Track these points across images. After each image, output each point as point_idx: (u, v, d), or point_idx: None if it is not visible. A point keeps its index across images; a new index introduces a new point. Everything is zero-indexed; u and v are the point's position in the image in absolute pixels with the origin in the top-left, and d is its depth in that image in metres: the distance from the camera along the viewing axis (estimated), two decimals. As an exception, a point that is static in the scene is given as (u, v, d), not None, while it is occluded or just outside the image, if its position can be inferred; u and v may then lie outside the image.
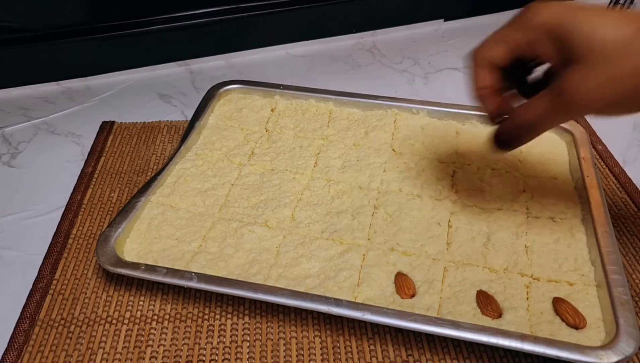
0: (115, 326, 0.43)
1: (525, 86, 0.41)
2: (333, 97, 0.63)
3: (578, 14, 0.34)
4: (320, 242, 0.47)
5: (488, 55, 0.38)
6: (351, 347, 0.42)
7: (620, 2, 0.73)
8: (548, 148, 0.57)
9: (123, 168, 0.59)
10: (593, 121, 0.65)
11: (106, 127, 0.65)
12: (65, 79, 0.74)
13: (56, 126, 0.67)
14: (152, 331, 0.43)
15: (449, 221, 0.49)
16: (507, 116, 0.39)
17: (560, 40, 0.34)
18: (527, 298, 0.42)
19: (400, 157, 0.56)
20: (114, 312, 0.44)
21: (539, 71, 0.40)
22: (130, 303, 0.45)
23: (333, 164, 0.56)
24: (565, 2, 0.35)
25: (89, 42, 0.72)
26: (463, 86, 0.76)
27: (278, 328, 0.43)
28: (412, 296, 0.42)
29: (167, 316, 0.44)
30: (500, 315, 0.41)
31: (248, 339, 0.42)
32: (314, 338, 0.42)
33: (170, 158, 0.55)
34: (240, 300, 0.45)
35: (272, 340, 0.42)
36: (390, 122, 0.60)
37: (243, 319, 0.44)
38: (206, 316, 0.44)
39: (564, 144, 0.58)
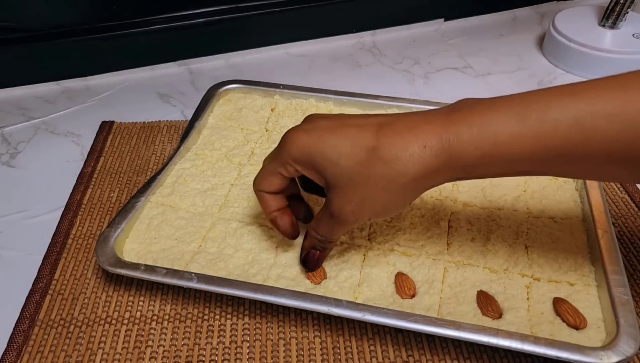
0: (115, 326, 0.43)
1: (308, 184, 0.44)
2: (333, 97, 0.63)
3: (323, 141, 0.37)
4: (320, 242, 0.47)
5: (265, 188, 0.42)
6: (351, 347, 0.42)
7: (621, 1, 0.73)
8: (548, 148, 0.57)
9: (123, 168, 0.59)
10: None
11: (106, 127, 0.65)
12: (65, 79, 0.74)
13: (56, 126, 0.67)
14: (152, 331, 0.43)
15: (449, 221, 0.49)
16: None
17: (315, 170, 0.38)
18: (528, 299, 0.42)
19: (400, 157, 0.56)
20: (113, 312, 0.44)
21: None
22: (130, 303, 0.45)
23: (333, 164, 0.55)
24: (315, 124, 0.38)
25: (89, 42, 0.72)
26: (463, 86, 0.77)
27: (278, 328, 0.43)
28: (412, 296, 0.42)
29: (166, 317, 0.44)
30: (500, 316, 0.41)
31: (248, 339, 0.42)
32: (314, 338, 0.42)
33: (170, 158, 0.55)
34: (240, 300, 0.45)
35: (272, 341, 0.42)
36: (390, 122, 0.60)
37: (243, 319, 0.44)
38: (206, 317, 0.44)
39: (564, 144, 0.57)
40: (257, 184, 0.42)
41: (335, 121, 0.38)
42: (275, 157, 0.40)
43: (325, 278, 0.44)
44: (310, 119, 0.40)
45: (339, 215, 0.38)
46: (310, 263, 0.43)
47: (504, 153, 0.33)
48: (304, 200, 0.47)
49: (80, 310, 0.44)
